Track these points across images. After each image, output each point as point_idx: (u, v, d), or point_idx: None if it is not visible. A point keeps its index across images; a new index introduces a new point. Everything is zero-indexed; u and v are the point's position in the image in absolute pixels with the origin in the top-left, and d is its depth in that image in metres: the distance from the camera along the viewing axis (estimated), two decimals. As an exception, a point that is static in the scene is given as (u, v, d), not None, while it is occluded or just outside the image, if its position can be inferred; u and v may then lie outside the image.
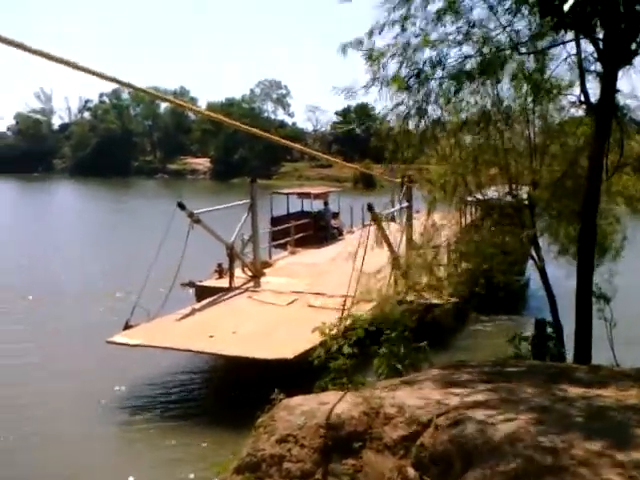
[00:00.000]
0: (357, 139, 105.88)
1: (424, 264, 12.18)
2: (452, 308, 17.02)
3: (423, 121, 8.90)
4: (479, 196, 11.14)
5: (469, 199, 12.05)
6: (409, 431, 4.97)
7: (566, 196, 9.60)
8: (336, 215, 27.65)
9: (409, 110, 8.64)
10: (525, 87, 9.28)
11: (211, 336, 13.10)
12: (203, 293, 17.44)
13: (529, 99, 9.51)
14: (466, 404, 5.20)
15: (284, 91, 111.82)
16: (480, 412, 5.04)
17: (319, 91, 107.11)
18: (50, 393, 12.99)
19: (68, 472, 10.13)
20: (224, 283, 17.92)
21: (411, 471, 4.74)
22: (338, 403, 5.40)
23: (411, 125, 9.24)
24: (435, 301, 16.36)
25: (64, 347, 15.73)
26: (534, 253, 10.28)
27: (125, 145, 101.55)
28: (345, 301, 13.91)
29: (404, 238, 17.55)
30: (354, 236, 27.03)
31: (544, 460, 4.28)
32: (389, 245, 16.21)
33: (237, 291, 17.39)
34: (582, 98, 8.60)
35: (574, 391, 5.67)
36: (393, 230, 16.59)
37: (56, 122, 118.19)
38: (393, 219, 26.57)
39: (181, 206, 16.22)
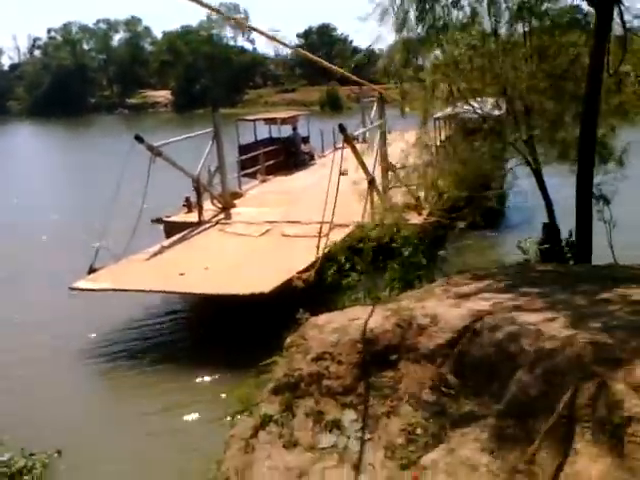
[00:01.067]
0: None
1: (407, 182, 11.42)
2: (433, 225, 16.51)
3: (423, 24, 8.20)
4: (473, 104, 10.30)
5: (464, 107, 11.24)
6: (445, 339, 4.91)
7: (565, 98, 8.89)
8: (306, 140, 26.63)
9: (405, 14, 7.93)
10: None
11: (182, 274, 12.36)
12: (172, 229, 16.59)
13: None
14: (501, 309, 5.11)
15: (243, 15, 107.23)
16: (518, 315, 4.95)
17: (278, 14, 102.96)
18: (20, 347, 12.24)
19: (53, 428, 9.32)
20: (193, 217, 17.05)
21: (452, 378, 4.69)
22: (372, 317, 5.30)
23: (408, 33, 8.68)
24: (415, 221, 15.79)
25: (29, 296, 14.93)
26: (529, 158, 9.63)
27: (80, 81, 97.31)
28: (321, 227, 13.22)
29: (378, 158, 16.80)
30: (326, 160, 26.23)
31: (600, 355, 4.16)
32: (363, 167, 15.40)
33: (207, 225, 16.55)
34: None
35: (609, 290, 5.55)
36: (366, 151, 15.71)
37: (5, 63, 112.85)
38: (365, 140, 25.80)
39: (139, 139, 15.12)
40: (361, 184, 15.64)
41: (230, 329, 12.00)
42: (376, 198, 16.04)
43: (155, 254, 14.16)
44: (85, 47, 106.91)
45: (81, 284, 12.24)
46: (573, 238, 8.86)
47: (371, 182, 15.78)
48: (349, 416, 4.78)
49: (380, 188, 16.29)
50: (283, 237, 15.16)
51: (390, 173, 16.89)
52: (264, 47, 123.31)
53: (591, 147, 8.11)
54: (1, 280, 16.30)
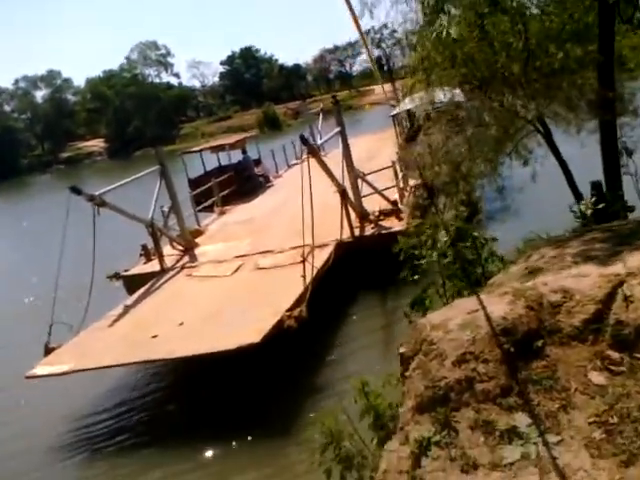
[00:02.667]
0: (247, 84, 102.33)
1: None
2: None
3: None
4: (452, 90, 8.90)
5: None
6: (590, 313, 4.32)
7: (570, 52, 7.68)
8: (258, 162, 25.09)
9: None
10: None
11: (154, 336, 10.61)
12: (133, 283, 14.77)
13: None
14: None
15: (163, 51, 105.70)
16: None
17: (199, 44, 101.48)
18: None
19: None
20: (154, 266, 15.27)
21: (614, 354, 4.08)
22: (491, 305, 4.61)
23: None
24: (397, 228, 14.40)
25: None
26: (538, 125, 8.44)
27: (8, 144, 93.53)
28: (304, 251, 11.72)
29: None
30: (283, 180, 24.78)
31: None
32: (332, 177, 14.00)
33: (172, 272, 14.78)
34: None
35: None
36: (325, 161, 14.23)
37: None
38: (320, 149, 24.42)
39: (76, 191, 13.30)
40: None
41: (221, 387, 10.35)
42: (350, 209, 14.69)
43: (119, 317, 12.32)
44: (7, 109, 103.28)
45: (38, 370, 10.33)
46: None
47: (343, 193, 14.39)
48: (522, 420, 3.98)
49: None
50: (258, 271, 13.55)
51: (360, 181, 15.45)
52: (189, 80, 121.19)
53: (611, 99, 7.52)
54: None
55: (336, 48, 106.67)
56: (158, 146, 18.08)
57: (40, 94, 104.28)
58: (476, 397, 4.14)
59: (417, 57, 7.98)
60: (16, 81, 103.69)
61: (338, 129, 15.51)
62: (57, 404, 11.20)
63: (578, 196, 8.49)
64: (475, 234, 6.21)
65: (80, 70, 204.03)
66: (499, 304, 4.60)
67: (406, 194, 16.38)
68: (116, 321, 12.15)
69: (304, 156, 16.21)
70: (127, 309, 12.73)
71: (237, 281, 13.20)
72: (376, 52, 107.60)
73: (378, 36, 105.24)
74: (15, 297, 19.26)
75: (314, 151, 12.84)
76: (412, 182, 16.73)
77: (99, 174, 64.19)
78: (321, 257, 12.87)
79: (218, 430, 9.13)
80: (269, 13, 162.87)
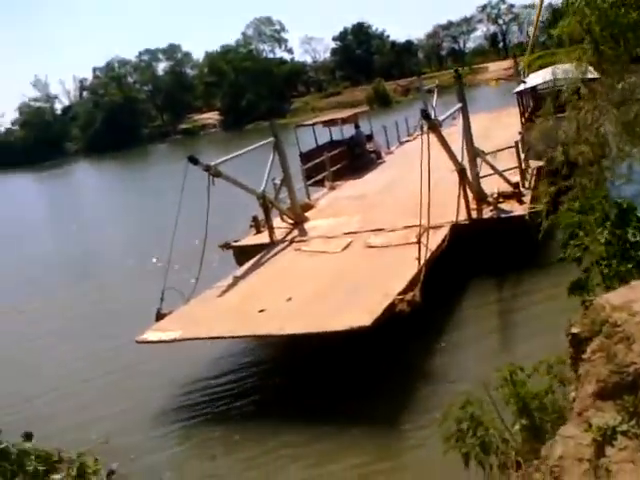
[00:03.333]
0: (357, 60, 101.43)
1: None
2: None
3: None
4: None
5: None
6: None
7: None
8: (370, 138, 24.51)
9: None
10: None
11: (262, 310, 10.47)
12: (242, 254, 14.84)
13: None
14: None
15: (277, 27, 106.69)
16: None
17: (312, 19, 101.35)
18: (98, 407, 10.72)
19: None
20: (264, 238, 15.25)
21: None
22: None
23: None
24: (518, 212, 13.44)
25: (97, 348, 13.39)
26: None
27: (131, 114, 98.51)
28: (421, 232, 11.14)
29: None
30: (394, 157, 24.14)
31: None
32: (452, 155, 13.26)
33: (281, 245, 14.69)
34: None
35: None
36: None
37: (58, 107, 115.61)
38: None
39: (193, 160, 13.35)
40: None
41: (327, 368, 10.08)
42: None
43: (228, 288, 12.34)
44: (130, 80, 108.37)
45: (149, 335, 10.50)
46: None
47: (462, 172, 13.61)
48: None
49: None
50: (369, 249, 13.12)
51: (478, 160, 14.56)
52: (302, 55, 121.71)
53: None
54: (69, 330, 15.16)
55: (450, 24, 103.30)
56: (272, 119, 18.06)
57: (161, 67, 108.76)
58: None
59: (573, 26, 7.02)
60: (139, 54, 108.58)
61: (459, 105, 14.68)
62: (166, 369, 11.40)
63: None
64: None
65: (198, 45, 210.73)
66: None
67: (528, 176, 15.32)
68: (225, 292, 12.17)
69: (417, 133, 15.47)
70: (236, 280, 12.74)
71: (347, 258, 12.85)
72: (492, 28, 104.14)
73: (495, 11, 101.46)
74: (143, 258, 19.89)
75: (435, 127, 12.14)
76: (534, 164, 15.63)
77: (213, 145, 66.14)
78: (435, 239, 12.25)
79: (323, 415, 8.86)
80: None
